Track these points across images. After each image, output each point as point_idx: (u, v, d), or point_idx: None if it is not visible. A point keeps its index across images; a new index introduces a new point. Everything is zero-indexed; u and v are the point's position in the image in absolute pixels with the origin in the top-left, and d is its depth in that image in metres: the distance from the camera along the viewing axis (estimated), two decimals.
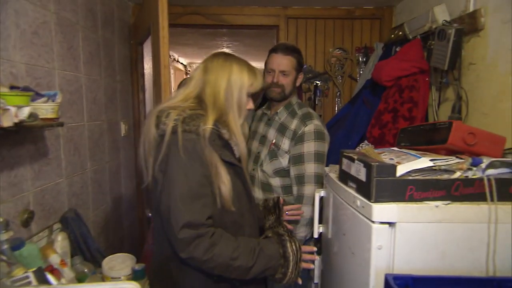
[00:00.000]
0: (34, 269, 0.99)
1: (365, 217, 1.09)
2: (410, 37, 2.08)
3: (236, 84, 1.12)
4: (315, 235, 1.61)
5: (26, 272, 0.97)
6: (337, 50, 2.73)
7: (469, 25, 1.63)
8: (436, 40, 1.69)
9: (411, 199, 1.06)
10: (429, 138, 1.26)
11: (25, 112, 1.00)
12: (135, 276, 1.24)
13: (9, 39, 1.23)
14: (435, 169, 1.08)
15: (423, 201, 1.06)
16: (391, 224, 1.05)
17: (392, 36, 2.43)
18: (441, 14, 1.72)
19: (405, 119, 1.82)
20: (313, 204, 1.71)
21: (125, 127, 2.43)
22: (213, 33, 3.76)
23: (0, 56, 1.18)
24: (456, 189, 1.04)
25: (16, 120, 0.96)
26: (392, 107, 1.94)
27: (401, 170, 1.07)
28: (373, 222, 1.05)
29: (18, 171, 1.29)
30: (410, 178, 1.07)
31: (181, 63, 5.94)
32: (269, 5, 2.61)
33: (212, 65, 1.15)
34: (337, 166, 1.69)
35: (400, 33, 2.31)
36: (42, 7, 1.42)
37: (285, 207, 1.56)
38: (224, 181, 1.08)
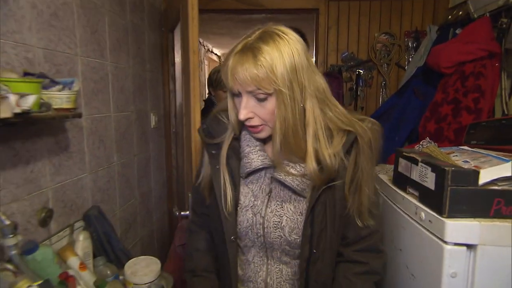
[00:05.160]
0: (38, 282, 0.85)
1: (434, 235, 0.86)
2: (475, 16, 1.78)
3: None
4: None
5: (30, 286, 0.83)
6: (383, 35, 2.45)
7: None
8: None
9: (498, 215, 0.82)
10: None
11: (29, 101, 0.85)
12: None
13: (23, 20, 1.09)
14: None
15: None
16: (470, 246, 0.81)
17: (450, 17, 2.13)
18: None
19: (470, 112, 1.53)
20: None
21: (155, 118, 2.30)
22: (246, 20, 3.54)
23: (13, 39, 1.04)
24: None
25: (17, 110, 0.82)
26: (452, 97, 1.65)
27: (484, 177, 0.82)
28: (445, 242, 0.82)
29: (35, 166, 1.16)
30: (496, 188, 0.82)
31: (216, 54, 5.79)
32: None
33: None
34: (388, 166, 1.45)
35: (461, 12, 2.01)
36: None
37: None
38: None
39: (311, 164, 0.82)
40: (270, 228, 0.88)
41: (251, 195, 0.91)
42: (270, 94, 0.78)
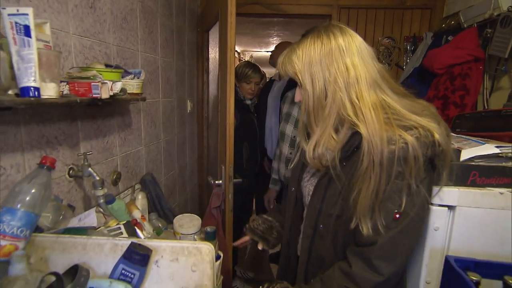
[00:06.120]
0: (124, 222, 1.00)
1: None
2: (465, 25, 1.85)
3: None
4: None
5: (118, 224, 0.99)
6: (386, 39, 2.51)
7: None
8: (498, 28, 1.47)
9: (473, 185, 0.93)
10: (491, 125, 1.10)
11: (118, 86, 0.99)
12: (207, 237, 1.23)
13: (105, 23, 1.22)
14: (501, 156, 0.94)
15: (485, 187, 0.93)
16: (450, 207, 0.94)
17: (443, 25, 2.18)
18: (506, 1, 1.49)
19: (456, 106, 1.63)
20: None
21: (191, 105, 2.43)
22: (267, 23, 3.63)
23: (98, 38, 1.18)
24: None
25: (111, 93, 0.96)
26: (442, 94, 1.75)
27: (465, 155, 0.94)
28: (432, 204, 0.94)
29: (109, 138, 1.31)
30: (474, 163, 0.94)
31: (236, 51, 5.87)
32: None
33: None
34: None
35: (453, 22, 2.07)
36: None
37: None
38: None
39: (310, 147, 0.83)
40: (305, 193, 0.95)
41: None
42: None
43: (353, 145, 0.78)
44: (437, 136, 0.73)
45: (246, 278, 2.63)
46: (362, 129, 0.75)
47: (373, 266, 0.77)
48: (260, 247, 1.08)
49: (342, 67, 0.78)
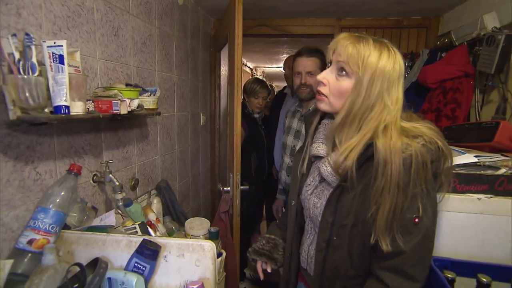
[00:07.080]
0: (139, 222, 1.08)
1: None
2: (456, 43, 1.88)
3: None
4: None
5: (134, 224, 1.07)
6: None
7: None
8: (484, 46, 1.51)
9: (454, 191, 0.97)
10: (474, 136, 1.13)
11: (135, 103, 1.09)
12: (210, 236, 1.29)
13: (127, 48, 1.33)
14: (479, 165, 0.98)
15: (465, 194, 0.96)
16: None
17: (438, 43, 2.21)
18: (491, 21, 1.52)
19: (448, 118, 1.65)
20: None
21: (204, 118, 2.53)
22: (276, 42, 3.73)
23: (120, 61, 1.29)
24: (500, 185, 0.94)
25: (129, 109, 1.05)
26: (435, 107, 1.78)
27: None
28: None
29: (129, 148, 1.41)
30: (454, 171, 0.98)
31: (249, 67, 6.01)
32: (326, 16, 2.52)
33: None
34: None
35: (446, 40, 2.10)
36: (149, 23, 1.52)
37: None
38: None
39: (341, 156, 0.77)
40: (310, 205, 0.89)
41: (313, 175, 0.92)
42: (349, 75, 0.76)
43: (365, 157, 0.75)
44: (439, 142, 0.73)
45: (255, 280, 2.66)
46: (380, 144, 0.72)
47: (409, 276, 0.73)
48: (269, 269, 1.03)
49: (398, 90, 0.76)
